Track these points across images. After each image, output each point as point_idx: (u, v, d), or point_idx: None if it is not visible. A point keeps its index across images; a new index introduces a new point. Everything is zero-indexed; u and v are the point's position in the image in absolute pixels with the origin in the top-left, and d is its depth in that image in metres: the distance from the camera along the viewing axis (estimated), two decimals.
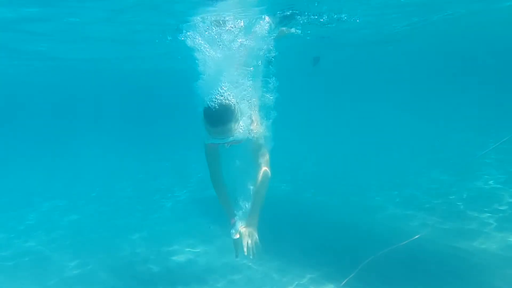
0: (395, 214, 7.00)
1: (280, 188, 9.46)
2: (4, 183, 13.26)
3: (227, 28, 5.09)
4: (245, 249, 3.61)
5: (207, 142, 3.53)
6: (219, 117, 3.24)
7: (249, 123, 3.62)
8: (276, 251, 5.62)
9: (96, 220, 8.69)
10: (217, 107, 3.24)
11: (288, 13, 6.21)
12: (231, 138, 3.34)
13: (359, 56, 20.38)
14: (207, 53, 4.01)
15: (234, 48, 4.26)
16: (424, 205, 7.18)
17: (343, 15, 7.53)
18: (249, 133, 3.62)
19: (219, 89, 3.33)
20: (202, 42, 4.21)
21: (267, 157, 3.89)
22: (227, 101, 3.29)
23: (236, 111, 3.34)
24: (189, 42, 4.41)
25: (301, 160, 12.64)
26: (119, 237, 7.30)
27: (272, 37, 5.17)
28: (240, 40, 4.36)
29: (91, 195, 10.87)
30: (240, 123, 3.43)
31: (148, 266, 5.93)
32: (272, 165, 3.91)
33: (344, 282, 4.57)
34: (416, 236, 5.52)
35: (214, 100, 3.28)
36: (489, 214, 6.25)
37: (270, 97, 4.17)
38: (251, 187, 3.82)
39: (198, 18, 5.76)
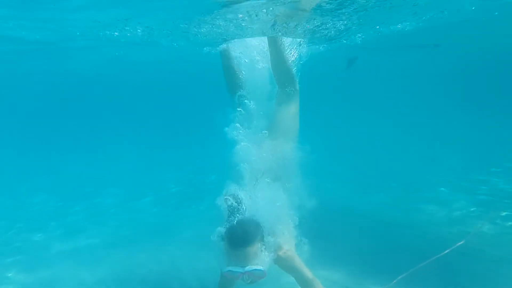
0: (443, 219, 6.88)
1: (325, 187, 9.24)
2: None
3: None
4: None
5: (224, 270, 3.34)
6: (243, 237, 3.16)
7: (273, 251, 3.41)
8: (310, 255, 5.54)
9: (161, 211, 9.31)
10: (242, 227, 3.21)
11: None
12: (249, 268, 3.17)
13: (404, 58, 19.62)
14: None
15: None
16: (473, 213, 6.98)
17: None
18: (274, 262, 3.45)
19: (247, 213, 3.33)
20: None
21: None
22: (252, 222, 3.26)
23: (261, 234, 3.27)
24: None
25: (348, 160, 12.47)
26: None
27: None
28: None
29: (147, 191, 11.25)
30: (263, 250, 3.28)
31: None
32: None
33: None
34: (460, 243, 5.14)
35: (239, 220, 3.27)
36: None
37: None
38: None
39: None
